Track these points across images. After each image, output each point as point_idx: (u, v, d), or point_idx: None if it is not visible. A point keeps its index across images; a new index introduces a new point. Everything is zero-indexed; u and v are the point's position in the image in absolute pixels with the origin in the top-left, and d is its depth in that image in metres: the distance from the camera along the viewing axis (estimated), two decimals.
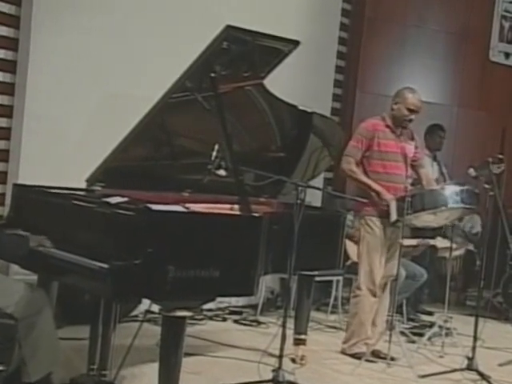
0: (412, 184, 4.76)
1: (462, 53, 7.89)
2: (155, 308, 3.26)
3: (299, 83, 6.16)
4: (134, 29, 5.17)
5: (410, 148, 4.83)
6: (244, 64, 3.77)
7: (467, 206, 4.62)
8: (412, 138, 4.88)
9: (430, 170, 6.30)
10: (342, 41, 7.15)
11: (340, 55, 7.15)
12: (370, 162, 4.75)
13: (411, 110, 4.73)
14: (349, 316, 4.96)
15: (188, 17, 5.41)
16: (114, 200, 3.29)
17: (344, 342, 4.88)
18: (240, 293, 3.38)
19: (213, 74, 3.52)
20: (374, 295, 4.77)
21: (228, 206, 3.63)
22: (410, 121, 4.77)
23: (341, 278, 5.88)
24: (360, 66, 7.31)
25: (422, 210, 4.52)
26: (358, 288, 4.80)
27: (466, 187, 4.59)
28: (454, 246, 5.60)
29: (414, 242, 5.83)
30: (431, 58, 7.66)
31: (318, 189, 4.68)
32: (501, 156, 5.11)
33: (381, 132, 4.76)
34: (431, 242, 5.98)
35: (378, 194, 4.66)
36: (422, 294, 6.54)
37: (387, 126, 4.78)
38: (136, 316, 4.96)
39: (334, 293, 6.00)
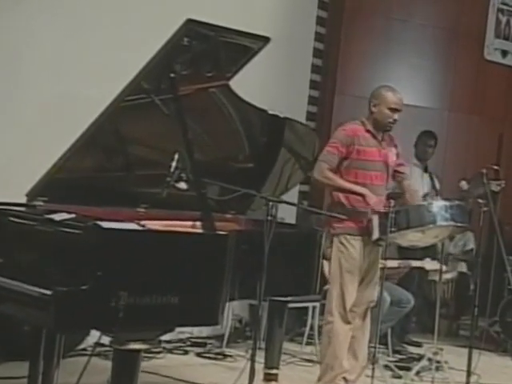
0: (391, 197, 4.75)
1: (454, 50, 8.01)
2: (105, 340, 3.25)
3: (270, 84, 6.21)
4: (87, 22, 5.19)
5: (392, 155, 4.87)
6: (207, 63, 3.80)
7: (458, 224, 4.64)
8: (394, 145, 4.91)
9: (419, 183, 6.34)
10: (318, 37, 7.20)
11: (317, 53, 7.21)
12: (348, 171, 4.73)
13: (394, 110, 4.76)
14: (322, 347, 4.91)
15: (147, 11, 5.43)
16: (58, 217, 3.29)
17: (319, 379, 4.85)
18: (203, 322, 3.41)
19: (172, 74, 3.55)
20: (347, 322, 4.74)
21: (189, 223, 3.65)
22: (394, 121, 4.80)
23: (317, 304, 5.91)
24: (339, 65, 7.38)
25: (407, 227, 4.56)
26: (330, 314, 4.74)
27: (456, 202, 4.62)
28: (445, 268, 5.63)
29: (394, 263, 5.81)
30: (419, 57, 7.75)
31: (292, 204, 4.70)
32: (496, 167, 5.16)
33: (362, 138, 4.76)
34: (413, 263, 5.93)
35: (362, 196, 4.64)
36: (409, 322, 6.59)
37: (368, 131, 4.80)
38: (83, 349, 4.93)
39: (309, 321, 6.02)
